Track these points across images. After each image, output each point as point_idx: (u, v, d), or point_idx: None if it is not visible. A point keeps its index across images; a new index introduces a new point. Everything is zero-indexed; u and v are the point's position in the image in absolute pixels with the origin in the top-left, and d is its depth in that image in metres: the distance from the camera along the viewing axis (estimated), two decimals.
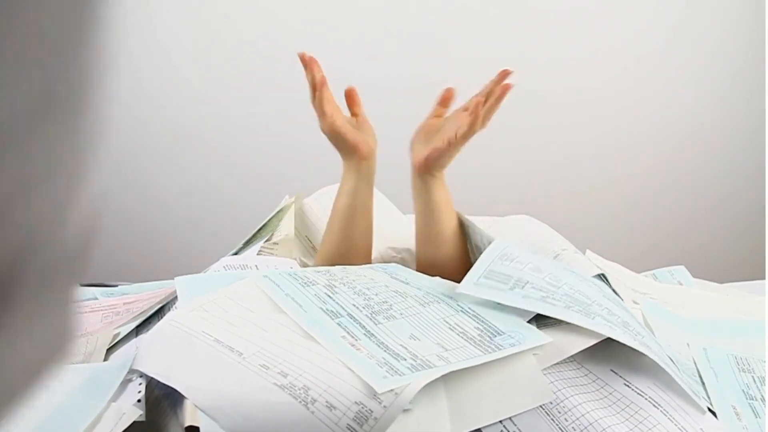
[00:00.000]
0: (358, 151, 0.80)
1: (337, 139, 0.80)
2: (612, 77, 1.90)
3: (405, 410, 0.47)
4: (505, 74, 0.78)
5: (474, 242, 0.80)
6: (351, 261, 0.79)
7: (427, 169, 0.78)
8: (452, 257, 0.80)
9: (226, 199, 1.96)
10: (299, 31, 1.82)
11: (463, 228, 0.82)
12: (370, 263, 0.83)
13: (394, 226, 0.94)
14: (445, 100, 0.83)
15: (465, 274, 0.77)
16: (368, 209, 0.82)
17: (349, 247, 0.81)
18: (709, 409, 0.56)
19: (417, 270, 0.77)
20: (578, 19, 1.86)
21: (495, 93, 0.77)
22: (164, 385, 0.51)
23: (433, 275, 0.72)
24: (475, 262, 0.81)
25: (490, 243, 0.70)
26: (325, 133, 0.80)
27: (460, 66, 1.86)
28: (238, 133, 1.93)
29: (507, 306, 0.62)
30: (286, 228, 0.95)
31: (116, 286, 0.93)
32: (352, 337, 0.53)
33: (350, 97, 0.84)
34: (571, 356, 0.56)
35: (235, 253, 0.92)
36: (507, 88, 0.77)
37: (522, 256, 0.67)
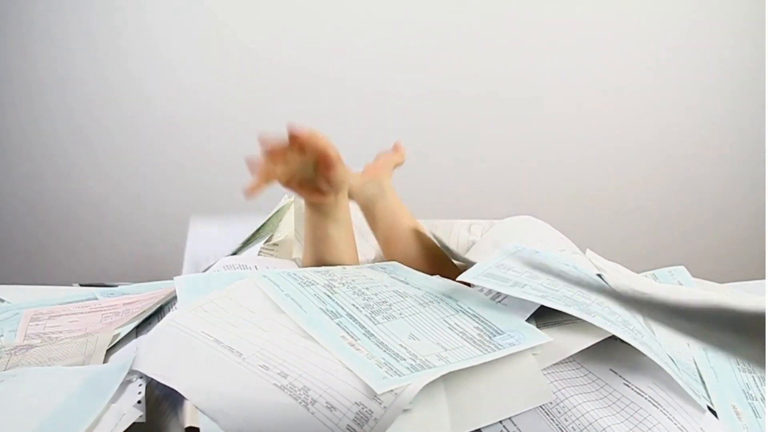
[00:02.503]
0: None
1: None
2: (612, 79, 1.90)
3: (405, 410, 0.47)
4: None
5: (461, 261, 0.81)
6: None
7: None
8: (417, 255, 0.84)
9: (225, 199, 1.96)
10: (298, 31, 1.82)
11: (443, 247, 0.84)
12: None
13: None
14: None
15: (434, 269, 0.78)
16: (335, 240, 0.77)
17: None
18: (710, 409, 0.56)
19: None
20: (580, 22, 1.86)
21: None
22: (164, 385, 0.51)
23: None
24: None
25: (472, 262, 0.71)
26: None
27: (460, 70, 1.86)
28: (239, 133, 1.93)
29: (506, 306, 0.62)
30: (285, 229, 0.95)
31: (116, 286, 0.93)
32: (352, 337, 0.53)
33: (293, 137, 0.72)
34: (571, 356, 0.56)
35: (234, 253, 0.92)
36: None
37: (518, 266, 0.67)
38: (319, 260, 0.78)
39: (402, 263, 0.78)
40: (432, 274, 0.72)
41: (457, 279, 0.63)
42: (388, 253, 0.86)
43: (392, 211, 0.86)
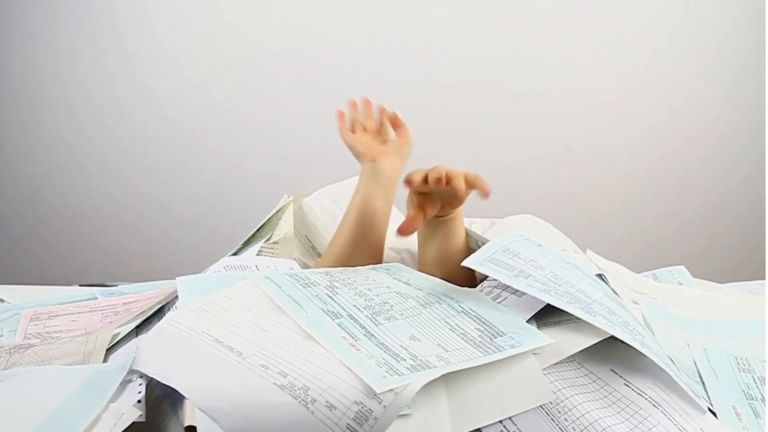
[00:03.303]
0: (363, 155, 0.87)
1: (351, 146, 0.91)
2: (612, 78, 1.90)
3: (405, 411, 0.47)
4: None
5: (470, 247, 0.80)
6: (359, 262, 0.78)
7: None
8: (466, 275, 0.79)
9: (225, 198, 1.96)
10: (299, 31, 1.82)
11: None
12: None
13: (393, 226, 0.94)
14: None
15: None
16: (379, 213, 0.84)
17: (358, 247, 0.82)
18: (710, 410, 0.56)
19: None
20: (580, 20, 1.86)
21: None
22: (165, 385, 0.51)
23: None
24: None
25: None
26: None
27: (460, 68, 1.86)
28: (238, 133, 1.93)
29: (507, 308, 0.62)
30: (285, 227, 0.95)
31: (116, 286, 0.93)
32: (352, 337, 0.53)
33: (394, 122, 0.94)
34: (571, 356, 0.56)
35: (235, 253, 0.92)
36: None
37: (525, 253, 0.67)
38: (359, 226, 0.82)
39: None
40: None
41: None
42: (426, 264, 0.80)
43: (453, 233, 0.79)
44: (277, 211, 1.00)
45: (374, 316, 0.57)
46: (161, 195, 1.96)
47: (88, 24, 1.84)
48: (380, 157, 0.87)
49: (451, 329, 0.57)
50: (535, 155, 1.94)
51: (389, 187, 0.86)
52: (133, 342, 0.66)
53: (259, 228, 0.97)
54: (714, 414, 0.56)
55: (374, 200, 0.84)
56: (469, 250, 0.79)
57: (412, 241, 0.85)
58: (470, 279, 0.79)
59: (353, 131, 0.93)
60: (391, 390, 0.45)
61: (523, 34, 1.86)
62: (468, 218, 0.98)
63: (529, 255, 0.66)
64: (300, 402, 0.45)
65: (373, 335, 0.54)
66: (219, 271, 0.78)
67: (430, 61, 1.85)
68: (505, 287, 0.66)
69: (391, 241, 0.93)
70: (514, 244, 0.68)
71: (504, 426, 0.49)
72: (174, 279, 0.68)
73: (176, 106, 1.90)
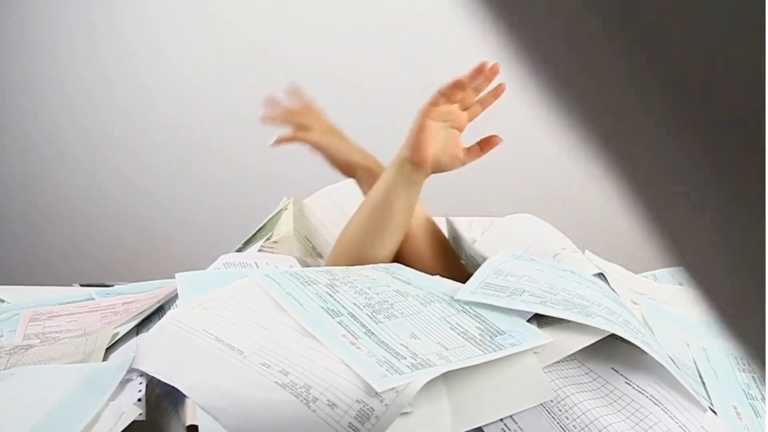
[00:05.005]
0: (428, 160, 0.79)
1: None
2: None
3: (406, 409, 0.47)
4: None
5: (468, 253, 0.80)
6: (372, 252, 0.75)
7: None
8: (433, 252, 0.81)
9: (226, 199, 1.96)
10: (297, 31, 1.82)
11: (455, 239, 0.82)
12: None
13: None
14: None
15: (448, 271, 0.76)
16: (397, 210, 0.75)
17: (370, 236, 0.75)
18: (710, 409, 0.56)
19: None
20: None
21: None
22: (165, 384, 0.51)
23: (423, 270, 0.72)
24: (469, 269, 0.81)
25: (482, 258, 0.71)
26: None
27: (460, 67, 1.86)
28: (238, 133, 1.93)
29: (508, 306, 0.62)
30: (285, 227, 0.95)
31: (112, 286, 0.92)
32: (353, 335, 0.53)
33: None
34: (572, 354, 0.56)
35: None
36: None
37: (516, 270, 0.66)
38: (372, 218, 0.75)
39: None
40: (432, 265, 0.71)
41: (455, 298, 0.63)
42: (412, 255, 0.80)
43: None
44: (277, 213, 1.00)
45: (374, 314, 0.57)
46: (161, 195, 1.96)
47: (88, 24, 1.84)
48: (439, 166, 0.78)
49: (451, 328, 0.57)
50: (535, 155, 1.94)
51: (414, 190, 0.76)
52: (133, 341, 0.66)
53: (260, 229, 0.98)
54: (714, 413, 0.56)
55: (395, 197, 0.74)
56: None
57: None
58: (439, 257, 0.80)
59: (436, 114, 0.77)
60: (393, 389, 0.45)
61: None
62: (468, 217, 0.98)
63: (522, 272, 0.66)
64: (301, 401, 0.45)
65: (373, 333, 0.54)
66: (219, 269, 0.78)
67: (431, 62, 1.85)
68: None
69: None
70: (505, 264, 0.68)
71: (505, 424, 0.49)
72: (173, 279, 0.67)
73: (176, 106, 1.90)
